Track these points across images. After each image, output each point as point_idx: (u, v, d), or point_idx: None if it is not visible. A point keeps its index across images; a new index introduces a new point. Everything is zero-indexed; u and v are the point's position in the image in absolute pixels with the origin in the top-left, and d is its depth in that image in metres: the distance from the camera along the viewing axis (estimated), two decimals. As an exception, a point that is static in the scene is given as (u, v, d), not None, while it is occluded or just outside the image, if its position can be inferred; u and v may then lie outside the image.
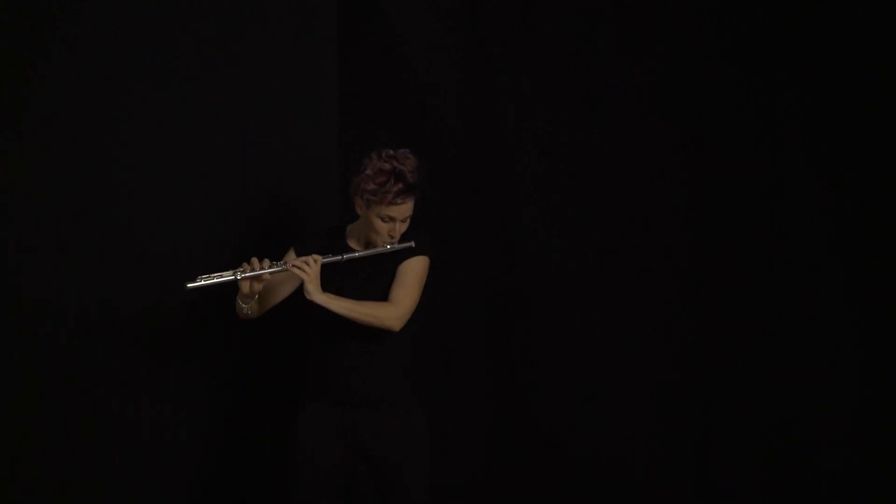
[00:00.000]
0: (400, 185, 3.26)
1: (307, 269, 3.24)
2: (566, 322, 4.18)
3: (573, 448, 4.18)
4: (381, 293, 3.34)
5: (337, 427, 3.34)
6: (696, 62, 4.21)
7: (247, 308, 3.35)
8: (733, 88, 4.22)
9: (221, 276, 3.24)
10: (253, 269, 3.25)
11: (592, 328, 4.19)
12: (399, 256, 3.38)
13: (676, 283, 4.23)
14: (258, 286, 3.30)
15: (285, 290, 3.45)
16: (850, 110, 4.17)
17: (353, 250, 3.39)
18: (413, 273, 3.37)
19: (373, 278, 3.37)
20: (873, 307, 4.18)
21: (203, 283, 3.23)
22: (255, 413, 3.91)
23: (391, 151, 3.30)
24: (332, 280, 3.34)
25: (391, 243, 3.35)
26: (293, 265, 3.25)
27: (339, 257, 3.32)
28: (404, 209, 3.32)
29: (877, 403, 4.18)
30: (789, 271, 4.21)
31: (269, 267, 3.27)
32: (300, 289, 3.41)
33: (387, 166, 3.26)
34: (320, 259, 3.26)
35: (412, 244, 3.36)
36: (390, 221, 3.32)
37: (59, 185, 3.70)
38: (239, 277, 3.25)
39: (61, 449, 3.71)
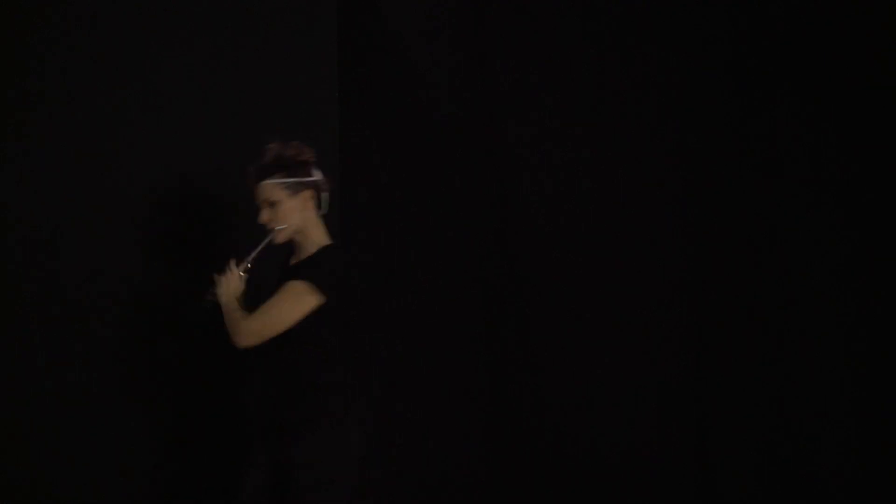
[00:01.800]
0: (252, 167, 3.20)
1: (225, 277, 3.14)
2: (565, 321, 4.18)
3: (573, 448, 4.18)
4: None
5: (257, 458, 3.15)
6: (696, 63, 4.23)
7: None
8: (733, 90, 4.23)
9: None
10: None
11: (592, 328, 4.19)
12: (298, 273, 3.13)
13: (676, 283, 4.24)
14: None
15: None
16: (849, 111, 4.18)
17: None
18: (283, 293, 3.09)
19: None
20: (873, 307, 4.19)
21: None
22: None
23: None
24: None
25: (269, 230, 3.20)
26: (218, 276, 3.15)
27: (247, 264, 3.18)
28: (257, 191, 3.20)
29: (877, 403, 4.19)
30: (789, 272, 4.22)
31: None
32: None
33: None
34: (236, 268, 3.16)
35: (276, 229, 3.17)
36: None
37: (58, 185, 3.70)
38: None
39: (60, 449, 3.71)
